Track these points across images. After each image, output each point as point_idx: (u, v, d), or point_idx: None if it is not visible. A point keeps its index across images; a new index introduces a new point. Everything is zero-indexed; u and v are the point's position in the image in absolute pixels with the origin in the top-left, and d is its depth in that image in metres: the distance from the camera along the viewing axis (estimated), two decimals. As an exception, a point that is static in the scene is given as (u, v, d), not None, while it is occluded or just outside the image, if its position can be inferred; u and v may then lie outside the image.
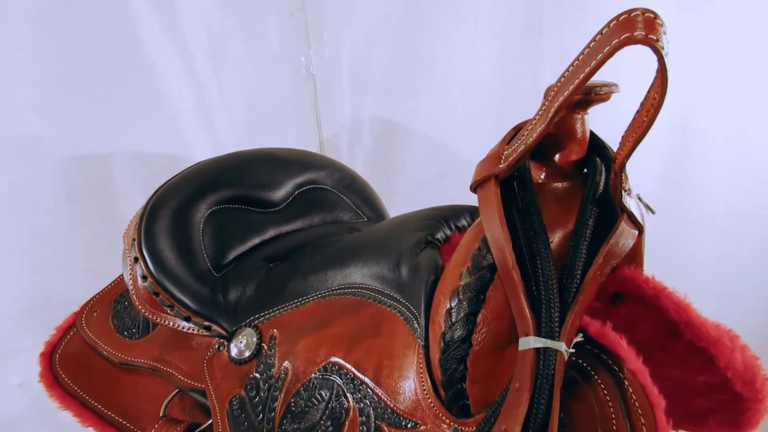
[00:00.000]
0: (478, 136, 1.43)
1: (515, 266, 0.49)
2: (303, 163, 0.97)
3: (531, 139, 0.50)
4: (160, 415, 0.76)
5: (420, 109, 1.40)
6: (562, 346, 0.46)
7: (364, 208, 1.00)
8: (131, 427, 0.79)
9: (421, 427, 0.57)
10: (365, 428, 0.61)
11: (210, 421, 0.74)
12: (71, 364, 0.85)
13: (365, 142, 1.36)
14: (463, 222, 0.72)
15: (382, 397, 0.61)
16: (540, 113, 0.51)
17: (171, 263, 0.79)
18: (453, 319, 0.53)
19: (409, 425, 0.58)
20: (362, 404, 0.62)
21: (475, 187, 0.56)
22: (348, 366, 0.65)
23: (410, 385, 0.59)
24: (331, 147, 1.35)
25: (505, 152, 0.53)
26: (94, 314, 0.89)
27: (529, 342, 0.47)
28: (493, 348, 0.52)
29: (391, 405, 0.60)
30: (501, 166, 0.53)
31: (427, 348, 0.59)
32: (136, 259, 0.79)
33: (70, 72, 1.25)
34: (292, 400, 0.67)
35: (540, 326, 0.47)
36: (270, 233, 0.88)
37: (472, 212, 0.73)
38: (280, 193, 0.92)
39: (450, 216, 0.71)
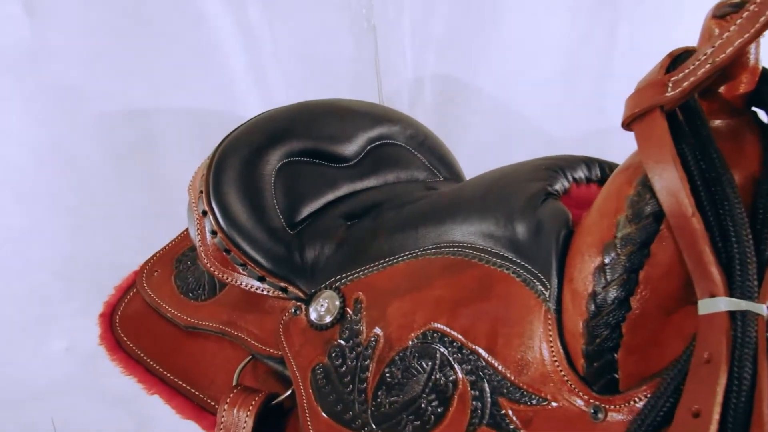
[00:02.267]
0: (546, 96, 1.34)
1: (695, 212, 0.40)
2: (375, 116, 0.89)
3: (724, 55, 0.41)
4: (234, 383, 0.69)
5: (484, 66, 1.30)
6: (763, 309, 0.38)
7: (439, 167, 0.92)
8: (200, 395, 0.73)
9: (552, 404, 0.50)
10: (479, 404, 0.53)
11: (290, 392, 0.67)
12: (133, 327, 0.79)
13: (426, 100, 1.28)
14: (580, 173, 0.63)
15: (500, 368, 0.53)
16: (740, 22, 0.41)
17: (242, 218, 0.71)
18: (607, 278, 0.45)
19: (533, 401, 0.51)
20: (474, 376, 0.55)
21: (629, 122, 0.47)
22: (454, 333, 0.57)
23: (536, 355, 0.52)
24: (391, 105, 1.26)
25: (674, 78, 0.44)
26: (155, 274, 0.82)
27: (719, 304, 0.39)
28: (658, 312, 0.43)
29: (512, 378, 0.52)
30: (669, 94, 0.44)
31: (559, 312, 0.51)
32: (204, 213, 0.72)
33: (116, 20, 1.17)
34: (386, 370, 0.60)
35: (733, 285, 0.39)
36: (343, 190, 0.81)
37: (588, 163, 0.64)
38: (352, 148, 0.84)
39: (566, 166, 0.62)
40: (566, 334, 0.50)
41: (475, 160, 1.34)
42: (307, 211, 0.76)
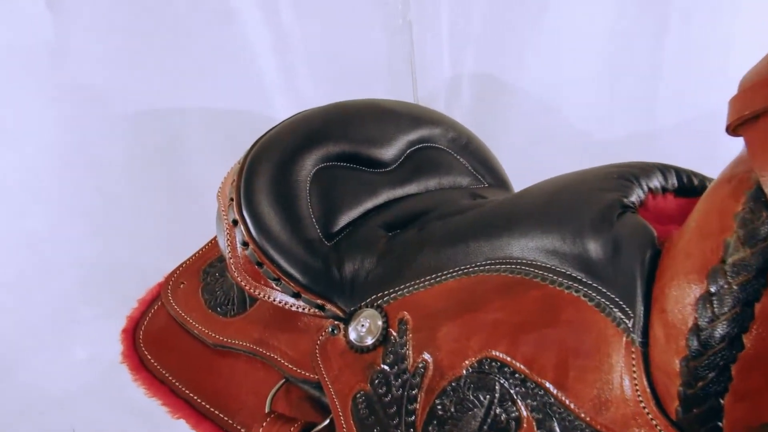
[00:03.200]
0: (590, 97, 1.27)
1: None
2: (415, 117, 0.82)
3: None
4: (267, 409, 0.63)
5: (525, 65, 1.23)
6: None
7: (483, 173, 0.85)
8: (229, 420, 0.67)
9: (636, 451, 0.43)
10: (548, 445, 0.47)
11: (327, 421, 0.61)
12: (157, 344, 0.74)
13: (464, 100, 1.21)
14: (656, 182, 0.56)
15: (572, 406, 0.47)
16: None
17: (276, 229, 0.65)
18: (715, 310, 0.38)
19: (617, 447, 0.44)
20: (541, 414, 0.48)
21: (736, 126, 0.40)
22: (516, 363, 0.51)
23: (616, 393, 0.45)
24: (426, 106, 1.20)
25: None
26: (181, 286, 0.77)
27: None
28: (778, 353, 0.37)
29: (587, 418, 0.46)
30: None
31: (645, 345, 0.44)
32: (235, 223, 0.67)
33: (141, 18, 1.12)
34: (437, 402, 0.54)
35: None
36: (382, 197, 0.74)
37: (662, 170, 0.57)
38: (391, 151, 0.77)
39: (640, 173, 0.55)
40: (654, 371, 0.43)
41: (514, 163, 1.27)
42: (344, 220, 0.70)
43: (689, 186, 0.57)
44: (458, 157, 0.83)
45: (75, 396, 1.25)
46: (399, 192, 0.76)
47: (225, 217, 0.68)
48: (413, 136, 0.80)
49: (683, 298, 0.40)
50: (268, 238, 0.65)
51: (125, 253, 1.19)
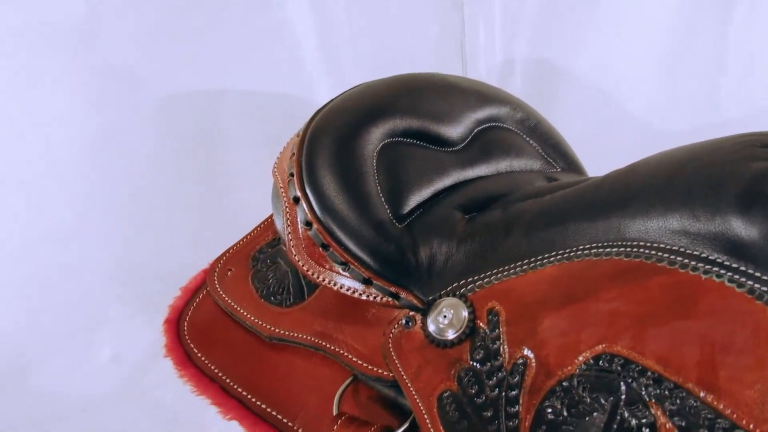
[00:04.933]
0: (649, 85, 1.19)
1: None
2: (482, 95, 0.75)
3: None
4: (335, 411, 0.55)
5: (581, 51, 1.16)
6: None
7: (554, 157, 0.78)
8: (289, 423, 0.59)
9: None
10: (697, 458, 0.39)
11: (407, 424, 0.53)
12: (204, 336, 0.66)
13: (516, 86, 1.14)
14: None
15: (726, 411, 0.39)
16: None
17: (343, 208, 0.58)
18: None
19: (790, 462, 0.36)
20: (684, 421, 0.40)
21: None
22: (644, 360, 0.43)
23: (790, 397, 0.37)
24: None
25: None
26: (229, 273, 0.69)
27: None
28: None
29: (749, 426, 0.38)
30: None
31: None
32: (296, 200, 0.59)
33: (175, -3, 1.06)
34: (545, 404, 0.46)
35: None
36: (452, 178, 0.67)
37: None
38: (459, 129, 0.70)
39: (778, 144, 0.48)
40: None
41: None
42: (415, 201, 0.62)
43: None
44: (528, 139, 0.76)
45: (97, 400, 1.18)
46: (469, 173, 0.69)
47: (284, 194, 0.61)
48: (481, 114, 0.73)
49: None
50: (334, 217, 0.58)
51: (153, 250, 1.12)
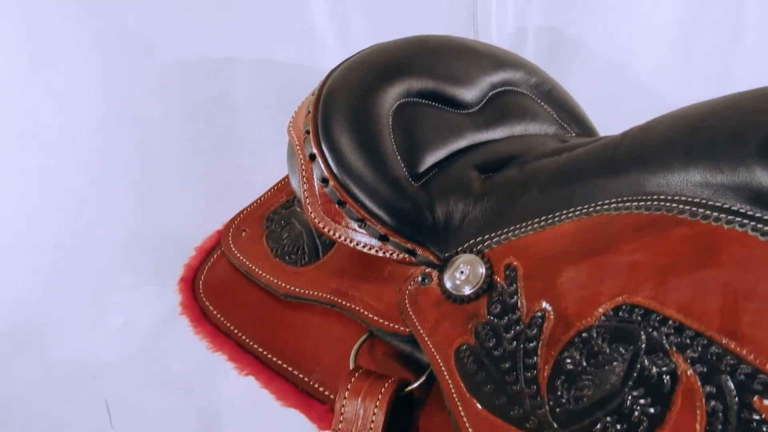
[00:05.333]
0: (662, 56, 1.18)
1: None
2: (497, 58, 0.75)
3: None
4: (351, 365, 0.56)
5: (595, 20, 1.15)
6: None
7: (569, 122, 0.77)
8: (305, 378, 0.59)
9: None
10: (719, 405, 0.39)
11: (423, 378, 0.53)
12: (219, 295, 0.66)
13: (528, 55, 1.12)
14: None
15: (750, 357, 0.39)
16: None
17: (359, 165, 0.58)
18: None
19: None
20: (706, 367, 0.40)
21: None
22: (666, 310, 0.43)
23: (816, 341, 0.37)
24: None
25: None
26: (243, 233, 0.69)
27: None
28: None
29: (773, 370, 0.38)
30: None
31: None
32: (312, 157, 0.59)
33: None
34: (565, 355, 0.46)
35: None
36: (467, 140, 0.67)
37: None
38: (474, 92, 0.70)
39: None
40: None
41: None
42: (430, 160, 0.62)
43: None
44: (542, 103, 0.76)
45: (108, 367, 1.19)
46: (483, 136, 0.68)
47: (300, 151, 0.61)
48: (496, 78, 0.73)
49: None
50: (350, 174, 0.57)
51: (165, 217, 1.12)
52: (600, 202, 0.51)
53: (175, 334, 1.20)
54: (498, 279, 0.52)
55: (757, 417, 0.37)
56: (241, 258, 0.66)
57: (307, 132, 0.60)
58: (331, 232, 0.58)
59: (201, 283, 0.68)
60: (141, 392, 1.19)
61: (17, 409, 1.18)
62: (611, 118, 1.16)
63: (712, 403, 0.39)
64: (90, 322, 1.15)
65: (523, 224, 0.54)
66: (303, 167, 0.60)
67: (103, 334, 1.16)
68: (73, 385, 1.17)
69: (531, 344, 0.48)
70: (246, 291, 0.65)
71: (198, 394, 1.20)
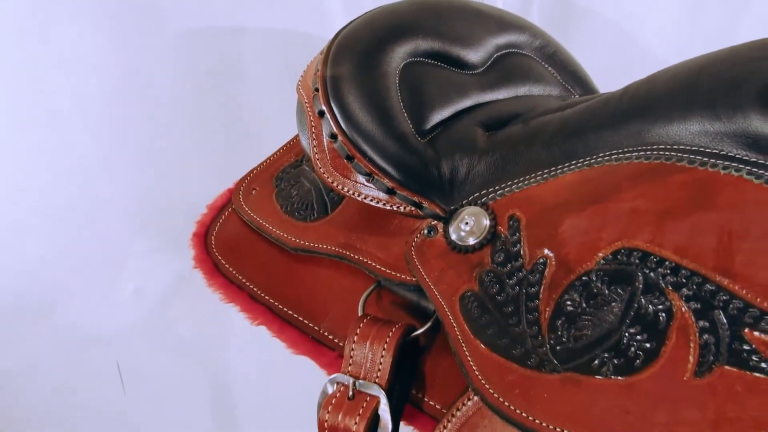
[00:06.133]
0: (672, 26, 1.18)
1: None
2: (502, 20, 0.76)
3: None
4: (360, 312, 0.58)
5: (602, -10, 1.14)
6: None
7: (573, 84, 0.78)
8: (315, 327, 0.61)
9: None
10: (711, 338, 0.40)
11: (430, 323, 0.55)
12: (231, 250, 0.68)
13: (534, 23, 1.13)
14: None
15: (742, 292, 0.40)
16: None
17: (366, 121, 0.59)
18: None
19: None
20: (700, 303, 0.42)
21: None
22: (663, 251, 0.44)
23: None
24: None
25: None
26: (253, 192, 0.71)
27: None
28: None
29: (764, 305, 0.39)
30: None
31: None
32: (321, 114, 0.60)
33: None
34: (565, 297, 0.47)
35: None
36: (472, 99, 0.68)
37: None
38: (480, 53, 0.71)
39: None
40: None
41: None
42: (437, 118, 0.63)
43: None
44: (546, 66, 0.77)
45: (121, 334, 1.22)
46: (488, 96, 0.70)
47: (309, 109, 0.62)
48: (501, 40, 0.74)
49: None
50: (358, 129, 0.59)
51: (177, 185, 1.13)
52: (602, 154, 0.53)
53: (188, 301, 1.23)
54: (501, 229, 0.54)
55: (747, 347, 0.39)
56: (251, 214, 0.68)
57: (316, 90, 0.62)
58: (340, 187, 0.60)
59: (213, 238, 0.70)
60: (153, 358, 1.22)
61: (31, 375, 1.21)
62: (617, 85, 1.17)
63: (705, 336, 0.41)
64: (103, 288, 1.17)
65: (527, 177, 0.56)
66: (312, 124, 0.62)
67: (115, 300, 1.18)
68: (85, 352, 1.20)
69: (533, 289, 0.49)
70: (257, 246, 0.67)
71: (209, 359, 1.23)
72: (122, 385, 1.23)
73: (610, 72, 1.18)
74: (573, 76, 0.79)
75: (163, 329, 1.20)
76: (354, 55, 0.63)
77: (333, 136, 0.60)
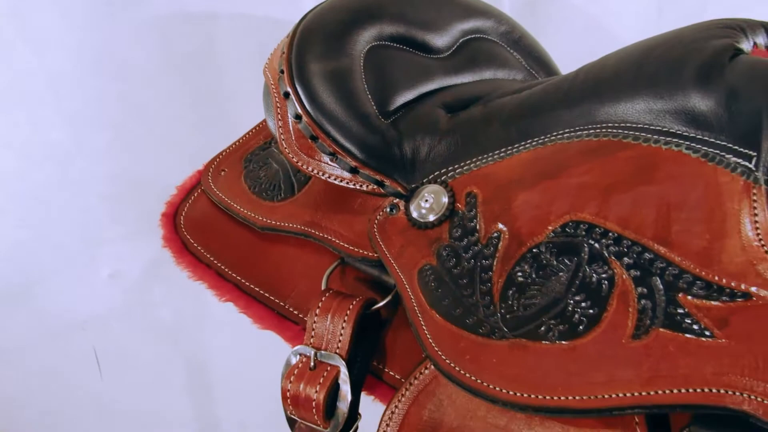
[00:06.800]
0: (640, 15, 1.20)
1: None
2: (468, 6, 0.77)
3: None
4: (323, 287, 0.59)
5: (571, -22, 1.16)
6: None
7: (537, 69, 0.80)
8: (280, 303, 0.63)
9: (755, 300, 0.39)
10: (649, 303, 0.43)
11: (389, 298, 0.57)
12: (200, 229, 0.70)
13: (504, 10, 1.15)
14: (760, 39, 0.51)
15: (676, 259, 0.43)
16: None
17: (330, 102, 0.61)
18: None
19: (728, 297, 0.40)
20: (639, 271, 0.44)
21: None
22: (607, 223, 0.47)
23: (733, 242, 0.41)
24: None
25: None
26: (222, 173, 0.72)
27: None
28: None
29: (696, 270, 0.42)
30: None
31: (773, 182, 0.40)
32: (286, 95, 0.62)
33: None
34: (516, 269, 0.50)
35: None
36: (437, 83, 0.70)
37: (767, 28, 0.52)
38: (445, 38, 0.73)
39: (746, 27, 0.51)
40: None
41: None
42: (400, 100, 0.65)
43: None
44: (512, 51, 0.79)
45: (97, 318, 1.22)
46: (453, 80, 0.71)
47: (275, 90, 0.64)
48: (467, 25, 0.75)
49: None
50: (322, 110, 0.61)
51: (150, 168, 1.14)
52: (555, 133, 0.55)
53: (164, 284, 1.24)
54: (459, 206, 0.56)
55: (681, 311, 0.42)
56: (220, 195, 0.70)
57: (282, 72, 0.63)
58: (305, 166, 0.62)
59: (182, 218, 0.71)
60: (130, 342, 1.23)
61: (7, 360, 1.21)
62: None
63: (643, 302, 0.43)
64: (78, 272, 1.17)
65: (485, 156, 0.58)
66: (278, 105, 0.63)
67: (91, 284, 1.18)
68: (62, 336, 1.21)
69: (487, 261, 0.52)
70: (225, 225, 0.69)
71: (185, 343, 1.24)
72: (99, 369, 1.24)
73: (580, 59, 1.20)
74: (538, 61, 0.81)
75: (139, 313, 1.21)
76: (319, 38, 0.64)
77: (298, 117, 0.61)
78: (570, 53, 1.16)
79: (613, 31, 1.20)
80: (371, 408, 0.57)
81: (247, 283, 0.65)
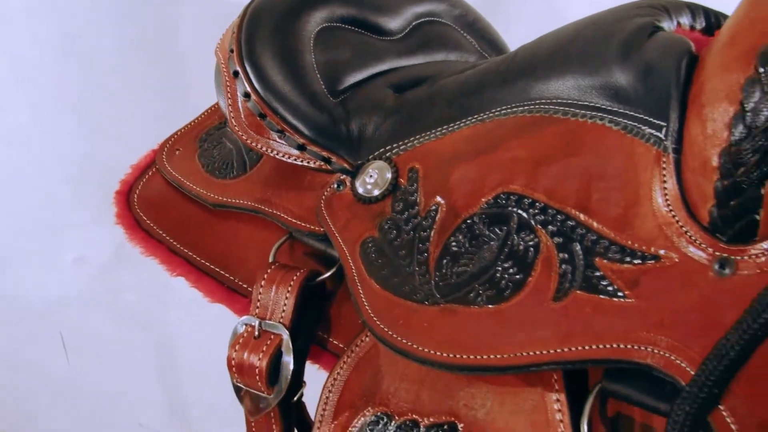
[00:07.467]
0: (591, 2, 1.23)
1: None
2: None
3: None
4: (270, 260, 0.61)
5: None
6: None
7: (490, 53, 0.82)
8: (231, 277, 0.65)
9: (663, 261, 0.41)
10: (569, 267, 0.45)
11: (334, 269, 0.59)
12: (153, 207, 0.71)
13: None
14: (684, 19, 0.53)
15: (594, 225, 0.45)
16: None
17: (279, 80, 0.62)
18: (765, 89, 0.36)
19: (639, 259, 0.42)
20: (562, 238, 0.46)
21: None
22: (534, 194, 0.49)
23: (644, 209, 0.43)
24: None
25: None
26: (177, 152, 0.74)
27: None
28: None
29: (611, 235, 0.44)
30: None
31: (678, 151, 0.42)
32: (236, 74, 0.63)
33: None
34: (451, 239, 0.52)
35: None
36: (388, 64, 0.71)
37: (692, 8, 0.54)
38: (398, 21, 0.74)
39: (670, 6, 0.53)
40: (687, 174, 0.41)
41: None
42: (350, 80, 0.67)
43: (717, 26, 0.55)
44: (465, 34, 0.81)
45: (63, 302, 1.23)
46: (405, 62, 0.73)
47: (225, 69, 0.65)
48: (420, 8, 0.77)
49: (726, 87, 0.38)
50: (270, 88, 0.62)
51: (115, 151, 1.14)
52: (494, 110, 0.57)
53: (129, 268, 1.25)
54: (402, 181, 0.58)
55: (597, 274, 0.44)
56: (174, 174, 0.71)
57: (231, 51, 0.64)
58: (254, 144, 0.63)
59: (135, 196, 0.72)
60: (96, 326, 1.24)
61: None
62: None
63: (564, 266, 0.45)
64: (43, 257, 1.18)
65: (428, 132, 0.59)
66: (227, 84, 0.64)
67: (57, 269, 1.19)
68: (28, 321, 1.21)
69: (425, 233, 0.54)
70: (178, 203, 0.70)
71: (151, 325, 1.25)
72: (65, 353, 1.24)
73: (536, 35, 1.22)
74: (491, 44, 0.83)
75: (106, 297, 1.22)
76: (269, 18, 0.65)
77: (246, 95, 0.62)
78: (526, 38, 1.19)
79: (568, 17, 1.22)
80: (317, 376, 0.59)
81: (197, 258, 0.66)
